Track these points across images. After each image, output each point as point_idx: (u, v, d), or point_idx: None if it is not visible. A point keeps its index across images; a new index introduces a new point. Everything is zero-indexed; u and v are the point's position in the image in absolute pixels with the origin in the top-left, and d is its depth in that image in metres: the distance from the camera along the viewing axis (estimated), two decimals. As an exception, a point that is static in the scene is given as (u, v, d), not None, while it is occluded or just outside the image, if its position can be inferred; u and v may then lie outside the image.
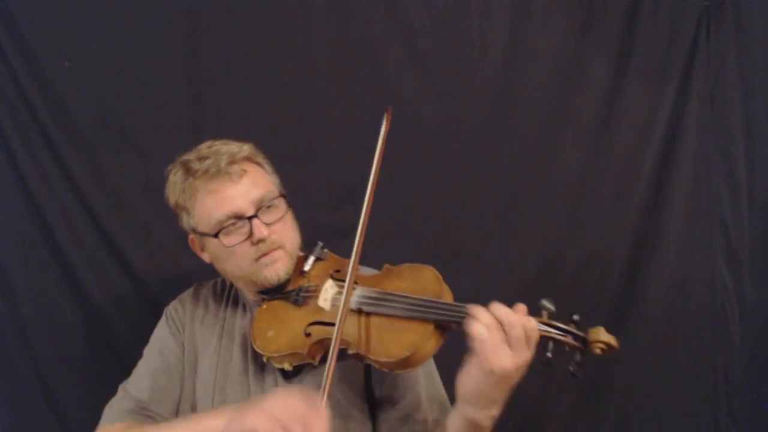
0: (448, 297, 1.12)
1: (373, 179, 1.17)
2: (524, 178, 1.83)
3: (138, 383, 1.31)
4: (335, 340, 1.07)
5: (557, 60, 1.82)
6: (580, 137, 1.84)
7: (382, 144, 1.19)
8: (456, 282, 1.78)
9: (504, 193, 1.83)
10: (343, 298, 1.12)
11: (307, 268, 1.27)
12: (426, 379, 1.25)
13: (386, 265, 1.25)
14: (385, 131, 1.21)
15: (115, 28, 1.71)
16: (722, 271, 1.86)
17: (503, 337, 1.01)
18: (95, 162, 1.72)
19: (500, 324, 1.01)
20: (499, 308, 1.03)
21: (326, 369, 1.05)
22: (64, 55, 1.69)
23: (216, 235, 1.23)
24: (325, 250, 1.30)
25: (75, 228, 1.71)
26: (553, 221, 1.83)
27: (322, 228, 1.70)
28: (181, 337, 1.35)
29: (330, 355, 1.06)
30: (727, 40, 1.84)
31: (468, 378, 1.04)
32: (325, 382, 1.04)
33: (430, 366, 1.27)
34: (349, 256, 1.16)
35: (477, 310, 1.03)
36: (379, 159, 1.18)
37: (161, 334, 1.36)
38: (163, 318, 1.38)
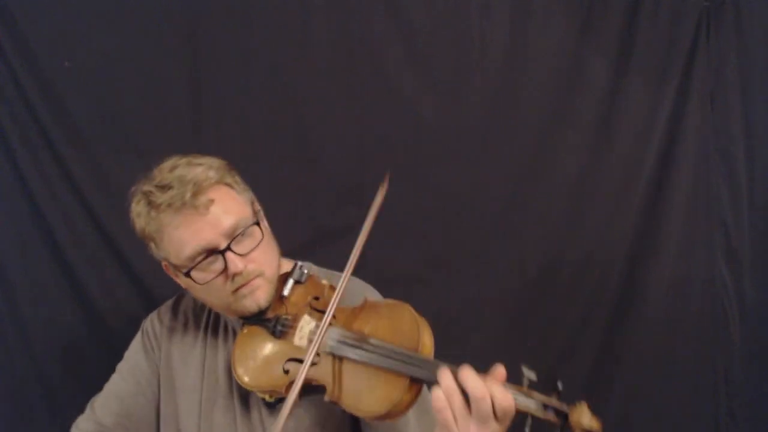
0: (426, 334, 1.04)
1: (360, 245, 1.11)
2: (524, 178, 1.83)
3: (105, 404, 1.27)
4: (298, 381, 1.03)
5: (557, 60, 1.82)
6: (580, 137, 1.83)
7: (376, 210, 1.13)
8: (456, 282, 1.81)
9: (504, 193, 1.83)
10: (310, 353, 1.05)
11: (286, 292, 1.19)
12: (416, 408, 1.14)
13: (365, 299, 1.16)
14: (381, 198, 1.14)
15: (115, 28, 1.70)
16: (722, 271, 1.85)
17: (465, 407, 0.92)
18: (95, 162, 1.71)
19: (465, 393, 0.92)
20: (468, 377, 0.92)
21: (282, 415, 0.99)
22: (64, 55, 1.68)
23: (187, 274, 1.14)
24: (305, 272, 1.22)
25: (75, 228, 1.71)
26: (553, 221, 1.83)
27: (322, 228, 1.72)
28: (156, 356, 1.29)
29: (288, 401, 1.01)
30: (727, 40, 1.83)
31: None
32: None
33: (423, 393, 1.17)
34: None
35: (442, 374, 0.94)
36: (369, 225, 1.12)
37: (135, 352, 1.31)
38: (139, 334, 1.34)
